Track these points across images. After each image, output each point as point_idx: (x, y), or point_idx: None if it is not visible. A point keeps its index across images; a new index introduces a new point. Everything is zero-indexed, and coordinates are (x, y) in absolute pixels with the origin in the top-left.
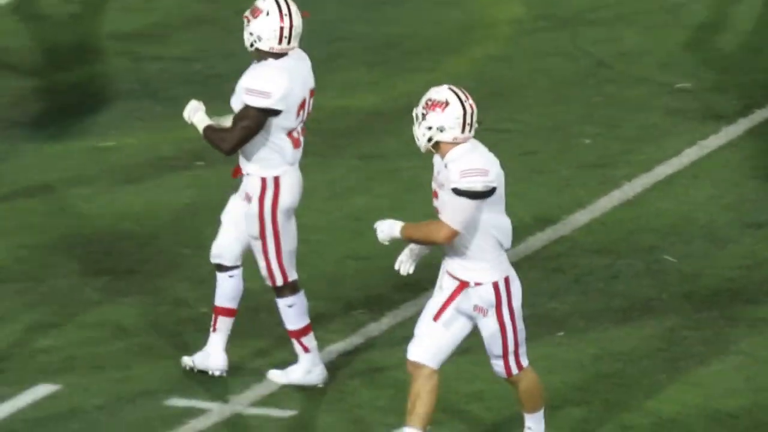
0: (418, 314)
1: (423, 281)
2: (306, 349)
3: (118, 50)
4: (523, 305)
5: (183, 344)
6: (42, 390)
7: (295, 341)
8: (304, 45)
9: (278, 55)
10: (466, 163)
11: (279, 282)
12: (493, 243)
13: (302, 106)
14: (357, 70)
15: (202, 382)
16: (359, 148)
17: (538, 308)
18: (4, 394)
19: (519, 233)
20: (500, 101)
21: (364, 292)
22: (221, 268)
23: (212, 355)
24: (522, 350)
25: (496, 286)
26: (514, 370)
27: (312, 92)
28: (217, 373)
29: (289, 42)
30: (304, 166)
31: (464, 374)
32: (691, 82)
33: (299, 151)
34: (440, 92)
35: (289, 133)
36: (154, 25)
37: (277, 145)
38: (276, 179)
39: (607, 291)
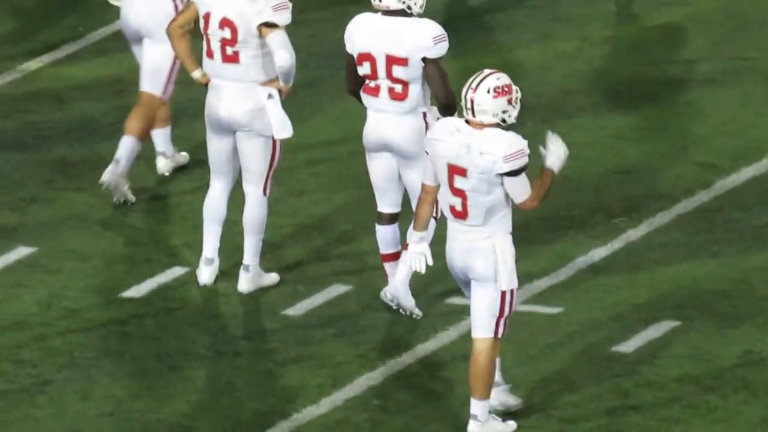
0: (673, 223)
1: (676, 192)
2: (385, 274)
3: None
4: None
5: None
6: (336, 290)
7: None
8: None
9: (380, 10)
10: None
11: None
12: None
13: (368, 59)
14: (620, 3)
15: None
16: (619, 73)
17: None
18: (302, 292)
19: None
20: (747, 33)
21: (624, 202)
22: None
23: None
24: None
25: None
26: None
27: (390, 58)
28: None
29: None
30: (569, 89)
31: (713, 276)
32: None
33: (373, 101)
34: None
35: (366, 79)
36: None
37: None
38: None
39: None
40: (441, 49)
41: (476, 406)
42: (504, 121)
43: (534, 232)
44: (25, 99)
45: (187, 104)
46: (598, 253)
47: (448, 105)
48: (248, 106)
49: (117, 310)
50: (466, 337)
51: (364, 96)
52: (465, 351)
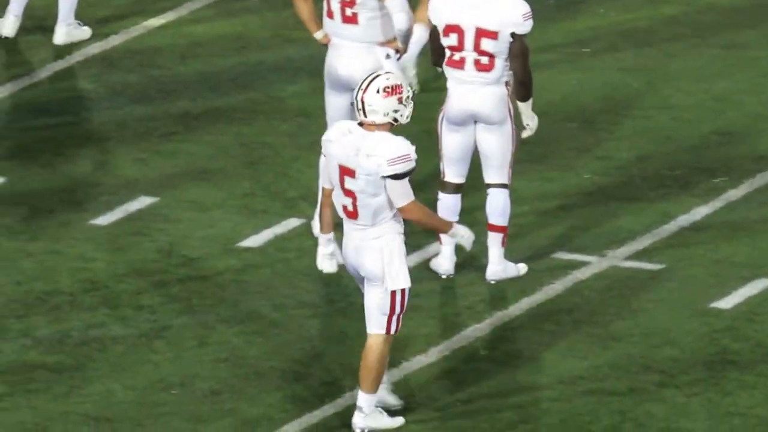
0: None
1: None
2: (440, 241)
3: None
4: None
5: (570, 207)
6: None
7: None
8: None
9: None
10: None
11: (442, 176)
12: None
13: (455, 30)
14: None
15: (583, 239)
16: (722, 38)
17: None
18: (412, 245)
19: None
20: None
21: (725, 163)
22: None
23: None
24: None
25: None
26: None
27: (480, 30)
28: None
29: None
30: (674, 53)
31: None
32: None
33: (459, 74)
34: None
35: (450, 51)
36: None
37: (445, 60)
38: (448, 90)
39: None
40: (529, 26)
41: (362, 399)
42: (396, 120)
43: (637, 190)
44: (149, 54)
45: (305, 62)
46: (700, 212)
47: (524, 82)
48: (366, 65)
49: (234, 259)
50: (571, 291)
51: (447, 69)
52: (570, 305)
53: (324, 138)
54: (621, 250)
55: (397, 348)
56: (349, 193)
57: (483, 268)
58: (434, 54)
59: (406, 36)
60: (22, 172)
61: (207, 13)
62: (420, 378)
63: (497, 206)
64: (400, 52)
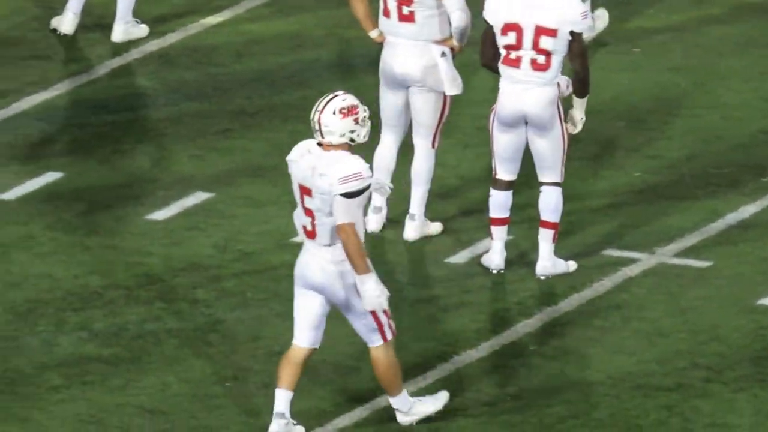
0: None
1: None
2: (491, 237)
3: None
4: None
5: (620, 205)
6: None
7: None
8: None
9: None
10: None
11: (493, 173)
12: None
13: (514, 29)
14: None
15: (632, 236)
16: None
17: None
18: (465, 241)
19: None
20: None
21: None
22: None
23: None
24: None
25: None
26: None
27: (540, 28)
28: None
29: None
30: (726, 52)
31: None
32: None
33: (514, 72)
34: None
35: (506, 50)
36: None
37: (499, 59)
38: (499, 90)
39: None
40: (586, 24)
41: (395, 402)
42: (353, 140)
43: (686, 188)
44: (206, 52)
45: (356, 60)
46: (748, 210)
47: (584, 79)
48: (422, 62)
49: (288, 254)
50: (621, 287)
51: (503, 67)
52: (619, 301)
53: (288, 158)
54: (669, 247)
55: (448, 343)
56: (308, 212)
57: (533, 264)
58: (484, 56)
59: (463, 34)
60: (81, 167)
61: (263, 12)
62: (470, 372)
63: (550, 203)
64: (455, 49)
